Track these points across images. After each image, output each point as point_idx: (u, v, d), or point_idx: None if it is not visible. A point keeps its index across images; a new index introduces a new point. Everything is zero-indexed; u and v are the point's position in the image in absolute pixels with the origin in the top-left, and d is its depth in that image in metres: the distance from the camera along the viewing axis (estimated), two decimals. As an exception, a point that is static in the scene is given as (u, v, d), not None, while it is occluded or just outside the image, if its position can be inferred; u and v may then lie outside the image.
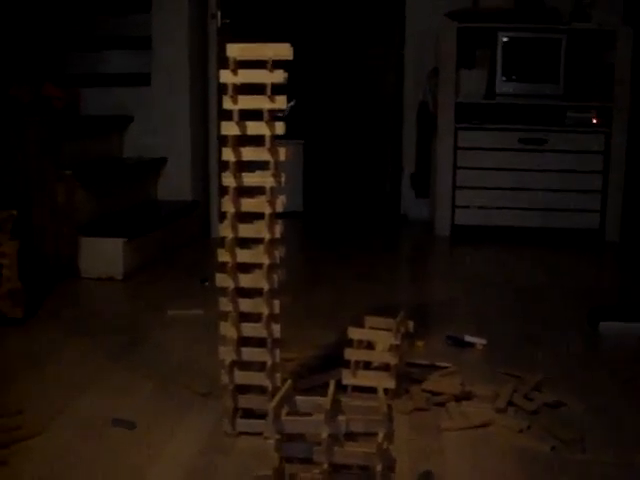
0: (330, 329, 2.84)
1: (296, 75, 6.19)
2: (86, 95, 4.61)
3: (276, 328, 1.96)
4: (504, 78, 4.97)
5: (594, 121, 4.92)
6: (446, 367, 2.50)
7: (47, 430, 2.02)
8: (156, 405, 2.20)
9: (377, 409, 1.57)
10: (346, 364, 2.24)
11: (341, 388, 2.13)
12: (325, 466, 1.55)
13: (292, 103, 6.04)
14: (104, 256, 3.75)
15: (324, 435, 1.54)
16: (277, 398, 1.58)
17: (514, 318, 3.16)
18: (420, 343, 2.72)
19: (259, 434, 1.92)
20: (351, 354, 2.21)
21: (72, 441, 1.97)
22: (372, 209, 5.84)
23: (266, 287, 1.92)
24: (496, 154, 4.98)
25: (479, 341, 2.75)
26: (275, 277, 1.93)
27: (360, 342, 2.26)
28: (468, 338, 2.76)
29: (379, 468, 1.53)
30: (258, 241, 1.93)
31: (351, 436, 1.59)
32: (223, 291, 1.95)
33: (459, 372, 2.46)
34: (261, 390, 2.01)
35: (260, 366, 2.00)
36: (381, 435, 1.53)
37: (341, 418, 1.55)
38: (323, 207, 5.83)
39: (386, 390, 1.92)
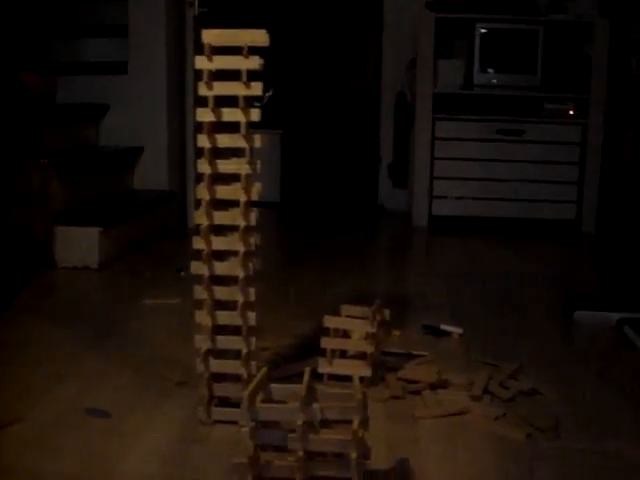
0: (306, 318, 2.84)
1: (274, 64, 6.17)
2: (63, 83, 4.56)
3: (251, 316, 1.95)
4: (482, 69, 4.98)
5: (571, 112, 4.94)
6: (422, 356, 2.50)
7: (23, 419, 2.00)
8: (132, 394, 2.19)
9: (352, 396, 1.57)
10: (322, 353, 2.23)
11: (317, 377, 2.12)
12: (300, 453, 1.54)
13: (270, 93, 6.03)
14: (80, 245, 3.72)
15: (299, 422, 1.53)
16: (252, 385, 1.57)
17: (490, 307, 3.17)
18: (396, 332, 2.72)
19: (234, 422, 1.91)
20: (327, 342, 2.21)
21: (49, 429, 1.96)
22: (350, 200, 5.84)
23: (241, 275, 1.91)
24: (474, 145, 4.98)
25: (455, 330, 2.75)
26: (250, 265, 1.92)
27: (336, 330, 2.26)
28: (444, 327, 2.77)
29: (354, 455, 1.53)
30: (233, 229, 1.92)
31: (326, 424, 1.59)
32: (198, 279, 1.94)
33: (435, 361, 2.46)
34: (236, 378, 2.00)
35: (235, 354, 1.99)
36: (356, 422, 1.53)
37: (316, 405, 1.55)
38: (300, 197, 5.82)
39: (362, 378, 1.92)
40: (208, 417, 1.99)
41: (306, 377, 1.63)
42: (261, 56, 1.92)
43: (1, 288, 3.02)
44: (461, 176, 5.01)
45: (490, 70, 4.98)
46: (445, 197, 5.03)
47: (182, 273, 3.51)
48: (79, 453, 1.84)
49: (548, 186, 4.96)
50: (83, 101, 4.59)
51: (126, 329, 2.81)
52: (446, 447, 1.90)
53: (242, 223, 1.90)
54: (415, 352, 2.52)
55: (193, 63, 4.67)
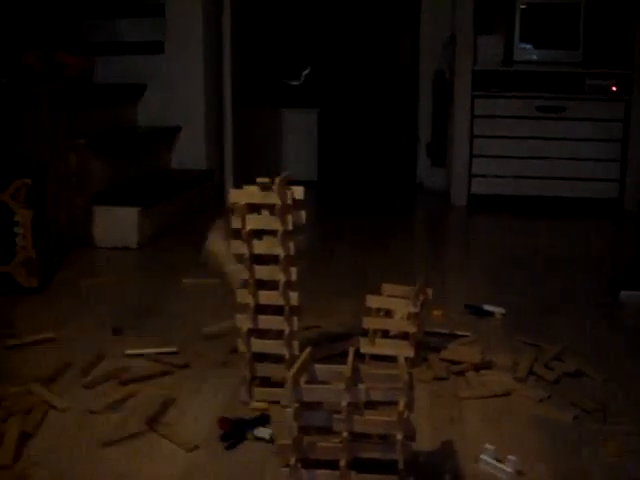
0: (347, 298, 2.82)
1: (311, 42, 6.13)
2: (100, 63, 4.56)
3: (293, 295, 1.92)
4: (522, 45, 4.90)
5: (614, 89, 4.83)
6: (465, 336, 2.47)
7: (66, 396, 2.01)
8: (172, 374, 2.18)
9: (398, 377, 1.54)
10: (364, 333, 2.21)
11: (359, 357, 2.10)
12: (345, 435, 1.52)
13: (307, 71, 5.99)
14: (119, 225, 3.73)
15: (344, 403, 1.51)
16: (296, 365, 1.55)
17: (533, 287, 3.12)
18: (438, 312, 2.69)
19: (276, 402, 1.90)
20: (369, 322, 2.18)
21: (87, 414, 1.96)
22: (388, 178, 5.79)
23: (282, 254, 1.89)
24: (513, 122, 4.92)
25: (498, 310, 2.71)
26: (291, 244, 1.89)
27: (378, 310, 2.23)
28: (487, 307, 2.73)
29: (399, 437, 1.50)
30: (271, 207, 1.89)
31: (371, 405, 1.57)
32: (239, 258, 1.91)
33: (478, 341, 2.43)
34: (278, 359, 1.98)
35: (277, 334, 1.97)
36: (402, 403, 1.50)
37: (361, 386, 1.52)
38: (338, 176, 5.78)
39: (405, 359, 1.88)
40: (250, 397, 1.98)
41: (350, 357, 1.60)
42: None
43: (41, 268, 3.03)
44: (501, 154, 4.95)
45: (530, 46, 4.90)
46: (484, 176, 4.97)
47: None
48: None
49: (590, 164, 4.88)
50: (120, 81, 4.59)
51: (166, 308, 2.80)
52: (491, 428, 1.87)
53: (278, 202, 1.86)
54: (458, 332, 2.48)
55: (230, 42, 4.65)
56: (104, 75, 4.55)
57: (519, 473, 1.63)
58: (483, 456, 1.67)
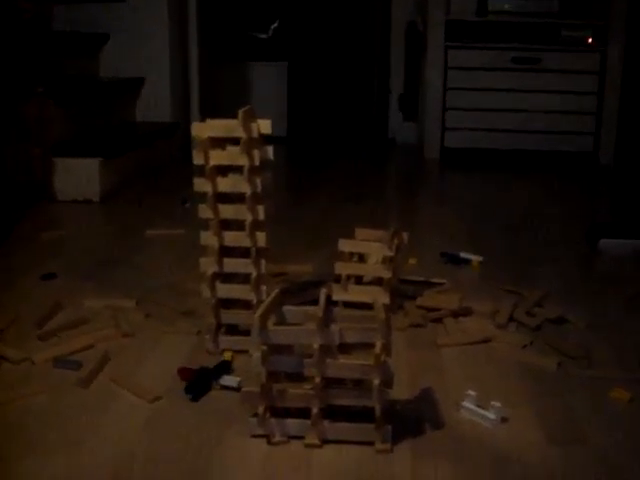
0: (317, 247, 2.71)
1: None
2: (58, 11, 4.37)
3: (261, 236, 1.80)
4: (497, -6, 4.77)
5: (589, 40, 4.72)
6: (441, 284, 2.36)
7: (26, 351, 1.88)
8: (133, 325, 2.05)
9: (374, 318, 1.43)
10: (336, 279, 2.09)
11: (331, 304, 1.98)
12: (317, 380, 1.41)
13: (275, 24, 5.82)
14: (80, 177, 3.56)
15: (315, 346, 1.40)
16: (263, 307, 1.43)
17: (510, 237, 3.02)
18: (412, 260, 2.58)
19: (244, 351, 1.79)
20: (342, 268, 2.05)
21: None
22: (359, 133, 5.65)
23: (248, 191, 1.76)
24: (488, 74, 4.78)
25: (475, 258, 2.61)
26: (257, 180, 1.76)
27: (351, 255, 2.11)
28: (464, 255, 2.63)
29: (377, 382, 1.40)
30: (235, 141, 1.76)
31: (344, 349, 1.46)
32: (202, 197, 1.79)
33: (455, 289, 2.32)
34: (245, 305, 1.86)
35: (244, 278, 1.85)
36: (379, 345, 1.39)
37: (334, 327, 1.41)
38: (308, 131, 5.63)
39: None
40: (215, 346, 1.86)
41: (322, 299, 1.49)
42: None
43: (-2, 220, 2.88)
44: (475, 107, 4.82)
45: (505, -5, 4.77)
46: (458, 129, 4.86)
47: (187, 204, 3.36)
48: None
49: (565, 117, 4.78)
50: (81, 30, 4.39)
51: (128, 260, 2.67)
52: (472, 375, 1.77)
53: (243, 135, 1.73)
54: (434, 280, 2.38)
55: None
56: (63, 23, 4.36)
57: (503, 420, 1.53)
58: (465, 403, 1.57)
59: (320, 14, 5.61)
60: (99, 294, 2.27)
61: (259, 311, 1.41)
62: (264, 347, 1.41)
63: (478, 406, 1.55)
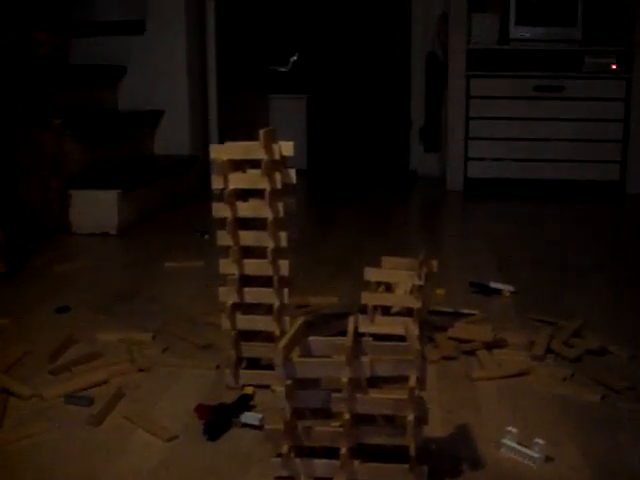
0: (342, 279, 2.61)
1: (299, 27, 5.93)
2: (77, 44, 4.33)
3: (283, 264, 1.70)
4: (518, 22, 4.67)
5: (614, 67, 4.63)
6: (472, 314, 2.25)
7: (30, 384, 1.78)
8: (149, 359, 1.95)
9: (406, 349, 1.32)
10: (363, 310, 1.98)
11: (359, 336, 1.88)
12: (346, 417, 1.30)
13: (295, 57, 5.77)
14: (97, 210, 3.49)
15: (344, 379, 1.29)
16: (287, 337, 1.33)
17: (540, 266, 2.91)
18: (441, 291, 2.47)
19: (266, 387, 1.68)
20: (368, 298, 1.95)
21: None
22: (380, 166, 5.57)
23: (270, 216, 1.66)
24: (510, 103, 4.70)
25: (506, 288, 2.50)
26: (280, 205, 1.67)
27: (378, 285, 2.00)
28: (494, 284, 2.51)
29: (411, 418, 1.29)
30: (256, 164, 1.67)
31: (375, 383, 1.35)
32: (221, 223, 1.69)
33: (487, 319, 2.21)
34: (268, 337, 1.76)
35: (266, 309, 1.75)
36: (413, 378, 1.28)
37: (364, 359, 1.30)
38: (328, 164, 5.56)
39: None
40: (236, 382, 1.76)
41: (350, 328, 1.38)
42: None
43: (11, 252, 2.80)
44: (497, 136, 4.73)
45: (527, 23, 4.68)
46: (481, 159, 4.76)
47: (206, 236, 3.28)
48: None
49: (590, 145, 4.67)
50: (99, 63, 4.35)
51: (145, 292, 2.58)
52: (510, 410, 1.65)
53: (265, 157, 1.64)
54: (464, 310, 2.27)
55: (214, 21, 4.43)
56: (81, 57, 4.32)
57: (547, 459, 1.42)
58: (505, 440, 1.45)
59: (340, 47, 5.57)
60: (114, 327, 2.18)
61: (282, 342, 1.31)
62: (288, 381, 1.31)
63: (519, 444, 1.44)
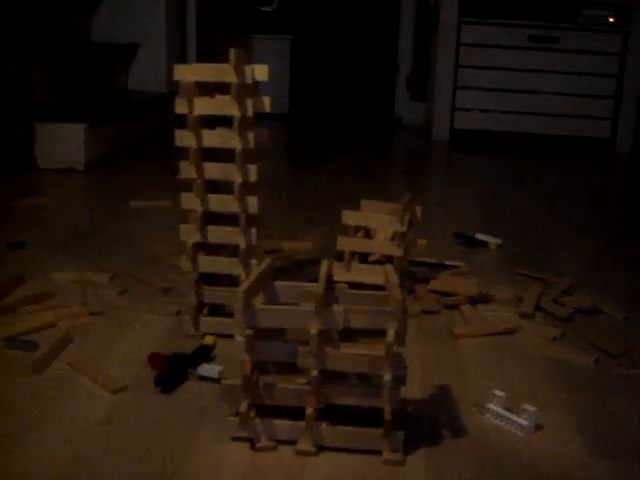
0: (318, 224, 2.45)
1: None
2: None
3: (252, 201, 1.53)
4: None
5: (611, 19, 4.45)
6: (456, 266, 2.10)
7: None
8: (104, 302, 1.79)
9: (386, 299, 1.17)
10: (339, 257, 1.83)
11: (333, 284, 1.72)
12: (314, 373, 1.15)
13: (279, -5, 5.53)
14: (63, 144, 3.29)
15: (314, 331, 1.13)
16: (249, 280, 1.17)
17: (528, 220, 2.77)
18: (422, 242, 2.32)
19: (229, 336, 1.52)
20: (345, 243, 1.79)
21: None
22: (364, 112, 5.38)
23: (239, 147, 1.49)
24: (502, 52, 4.53)
25: (493, 240, 2.35)
26: (250, 135, 1.49)
27: (356, 230, 1.84)
28: (480, 236, 2.36)
29: (387, 378, 1.13)
30: (225, 89, 1.49)
31: (348, 336, 1.20)
32: (185, 152, 1.52)
33: (472, 272, 2.06)
34: (233, 282, 1.60)
35: (231, 251, 1.58)
36: (391, 332, 1.12)
37: (337, 308, 1.15)
38: (311, 110, 5.36)
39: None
40: (196, 329, 1.60)
41: (323, 274, 1.23)
42: None
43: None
44: (487, 86, 4.57)
45: (523, -31, 4.49)
46: (469, 109, 4.59)
47: (178, 175, 3.09)
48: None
49: (582, 100, 4.52)
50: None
51: (108, 230, 2.41)
52: (495, 370, 1.50)
53: (237, 80, 1.46)
54: (448, 262, 2.12)
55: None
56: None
57: (537, 427, 1.27)
58: (490, 405, 1.31)
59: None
60: (70, 267, 2.01)
61: (244, 285, 1.15)
62: (249, 330, 1.15)
63: (507, 409, 1.29)
